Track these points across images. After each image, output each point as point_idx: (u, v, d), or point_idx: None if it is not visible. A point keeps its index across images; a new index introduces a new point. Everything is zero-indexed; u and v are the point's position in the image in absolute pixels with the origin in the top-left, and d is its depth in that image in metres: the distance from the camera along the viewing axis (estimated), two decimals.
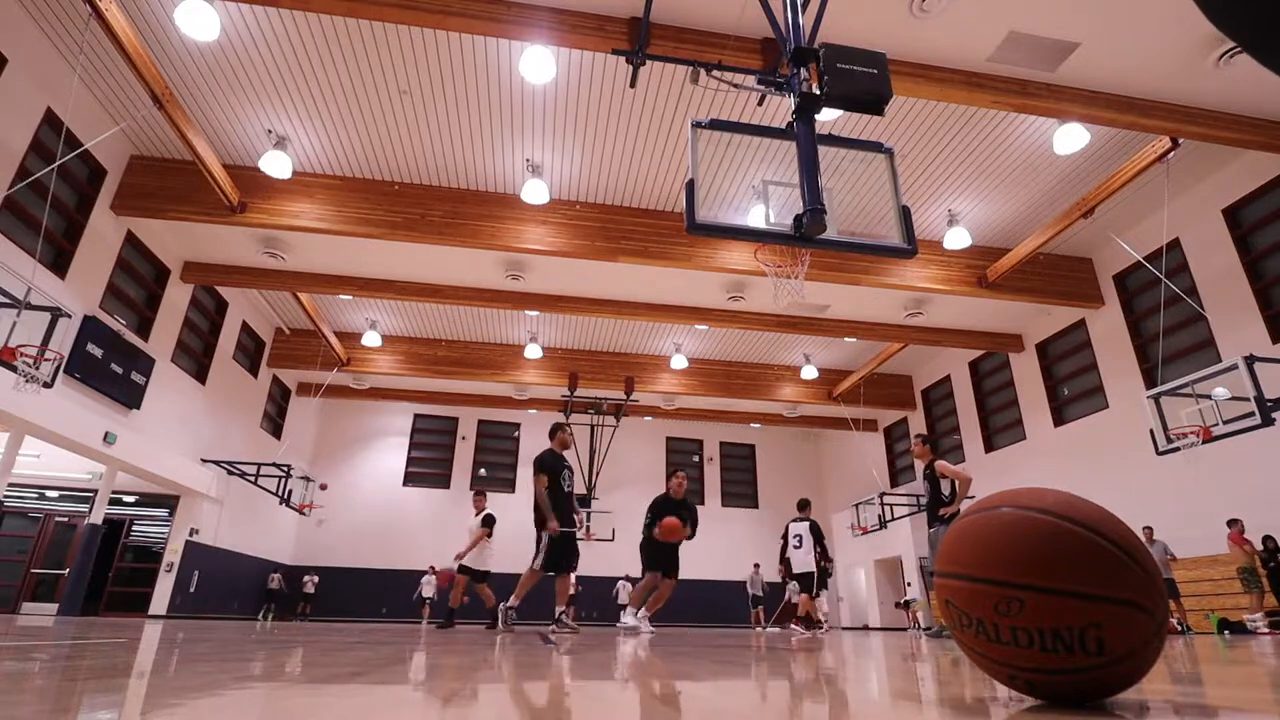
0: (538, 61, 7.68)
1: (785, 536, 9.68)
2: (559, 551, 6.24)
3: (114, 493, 11.82)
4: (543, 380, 15.88)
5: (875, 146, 4.94)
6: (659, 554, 6.93)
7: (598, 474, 17.52)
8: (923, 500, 6.95)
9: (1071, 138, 8.70)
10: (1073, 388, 13.04)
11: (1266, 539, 8.79)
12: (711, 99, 8.33)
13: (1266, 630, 8.57)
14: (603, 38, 7.06)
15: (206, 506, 13.28)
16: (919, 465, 7.09)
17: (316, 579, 16.92)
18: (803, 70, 4.82)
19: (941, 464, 6.82)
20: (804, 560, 9.40)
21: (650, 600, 7.09)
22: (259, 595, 15.88)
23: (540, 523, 6.27)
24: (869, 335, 13.82)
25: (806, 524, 9.38)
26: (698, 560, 18.91)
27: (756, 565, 16.85)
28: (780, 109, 8.15)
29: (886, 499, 16.28)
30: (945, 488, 6.74)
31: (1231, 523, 9.03)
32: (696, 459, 21.12)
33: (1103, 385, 12.15)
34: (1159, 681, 1.72)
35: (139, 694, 1.20)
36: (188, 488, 12.47)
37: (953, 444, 16.15)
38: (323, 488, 17.07)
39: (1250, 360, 7.81)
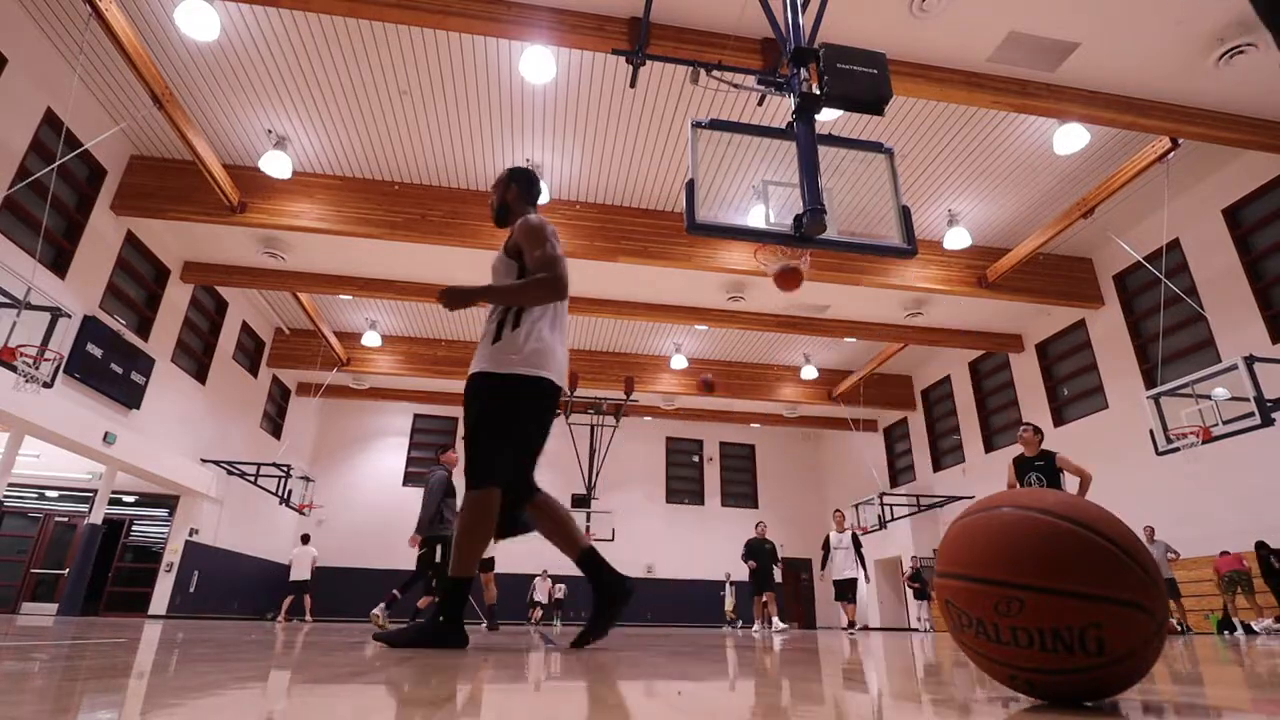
0: (538, 61, 7.69)
1: (826, 546, 10.10)
2: None
3: (114, 493, 11.83)
4: None
5: (875, 146, 4.94)
6: None
7: (597, 474, 17.51)
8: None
9: (1071, 138, 8.70)
10: (1073, 388, 13.05)
11: (1259, 545, 8.77)
12: (711, 99, 8.33)
13: (1265, 630, 8.56)
14: (603, 38, 7.06)
15: (206, 506, 13.28)
16: (1026, 453, 6.19)
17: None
18: (803, 70, 4.82)
19: (1065, 457, 6.06)
20: (844, 567, 9.89)
21: None
22: (260, 595, 15.86)
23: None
24: (869, 335, 13.82)
25: (849, 534, 9.85)
26: (696, 561, 18.96)
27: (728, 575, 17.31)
28: (780, 109, 8.15)
29: (886, 499, 16.28)
30: (1068, 484, 6.02)
31: (1224, 555, 9.14)
32: (696, 459, 21.12)
33: (1103, 385, 12.15)
34: (1159, 681, 1.73)
35: (139, 694, 1.20)
36: (188, 488, 12.47)
37: (953, 444, 16.16)
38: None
39: (1250, 360, 7.81)
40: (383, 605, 6.96)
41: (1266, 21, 0.85)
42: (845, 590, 10.19)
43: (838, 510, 10.66)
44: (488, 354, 2.79)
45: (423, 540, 7.10)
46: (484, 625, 8.05)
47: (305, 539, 14.00)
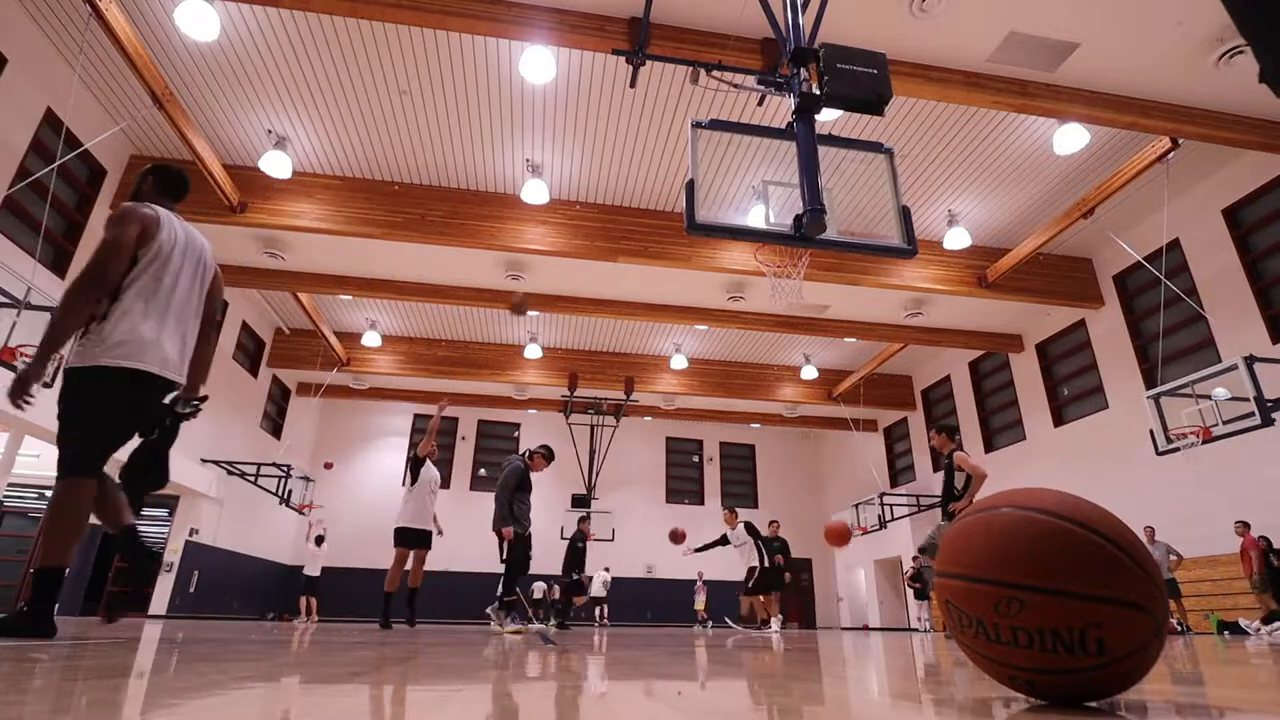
0: (538, 61, 7.68)
1: (725, 541, 10.29)
2: None
3: None
4: (543, 380, 15.88)
5: (875, 146, 4.94)
6: None
7: (597, 474, 17.52)
8: (938, 494, 6.55)
9: (1071, 138, 8.70)
10: (1073, 388, 13.04)
11: (1261, 539, 8.76)
12: (711, 99, 8.33)
13: (1256, 630, 8.52)
14: (603, 38, 7.06)
15: (206, 506, 13.28)
16: (940, 455, 6.57)
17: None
18: (803, 70, 4.82)
19: (960, 455, 6.20)
20: (747, 560, 10.09)
21: None
22: (260, 595, 15.86)
23: None
24: (869, 335, 13.81)
25: (741, 527, 10.11)
26: (696, 561, 18.94)
27: (700, 573, 17.20)
28: (780, 109, 8.15)
29: (886, 499, 16.29)
30: (959, 481, 6.15)
31: (1243, 524, 8.98)
32: (696, 459, 21.12)
33: (1103, 385, 12.15)
34: (1159, 681, 1.73)
35: (139, 694, 1.20)
36: (187, 488, 12.46)
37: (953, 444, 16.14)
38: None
39: (1250, 360, 7.81)
40: (507, 614, 6.90)
41: (1241, 30, 0.86)
42: (757, 582, 10.16)
43: (726, 509, 10.78)
44: (75, 349, 2.80)
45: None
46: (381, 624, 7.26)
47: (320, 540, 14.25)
